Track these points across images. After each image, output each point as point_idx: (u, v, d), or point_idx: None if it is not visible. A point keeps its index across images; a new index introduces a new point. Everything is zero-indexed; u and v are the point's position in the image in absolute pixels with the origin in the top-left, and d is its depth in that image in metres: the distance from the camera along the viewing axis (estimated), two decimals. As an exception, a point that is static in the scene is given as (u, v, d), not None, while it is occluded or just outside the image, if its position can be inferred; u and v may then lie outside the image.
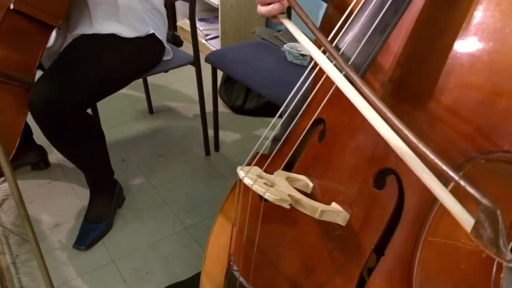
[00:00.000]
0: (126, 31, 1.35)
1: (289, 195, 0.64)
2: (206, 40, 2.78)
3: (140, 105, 2.20)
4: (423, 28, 0.61)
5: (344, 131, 0.72)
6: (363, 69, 0.65)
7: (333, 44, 0.67)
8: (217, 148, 1.92)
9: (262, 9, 0.83)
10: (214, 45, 2.70)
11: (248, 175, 0.68)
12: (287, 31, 1.77)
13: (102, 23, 1.33)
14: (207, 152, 1.89)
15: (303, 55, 1.56)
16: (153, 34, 1.42)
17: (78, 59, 1.26)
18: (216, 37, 2.74)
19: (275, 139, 1.11)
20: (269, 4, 0.82)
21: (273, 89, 1.42)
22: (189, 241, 1.46)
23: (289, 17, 0.79)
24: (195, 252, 1.42)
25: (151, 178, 1.75)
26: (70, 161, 1.39)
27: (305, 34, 0.74)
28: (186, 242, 1.46)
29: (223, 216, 1.03)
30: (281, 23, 0.86)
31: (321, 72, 0.66)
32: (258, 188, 0.64)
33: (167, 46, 1.51)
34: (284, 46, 1.62)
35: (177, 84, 2.42)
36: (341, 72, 0.61)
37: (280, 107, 1.39)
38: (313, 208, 0.65)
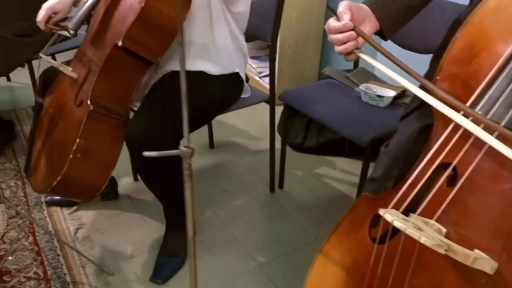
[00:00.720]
0: (215, 69, 1.40)
1: (441, 240, 0.64)
2: (259, 77, 2.83)
3: (201, 139, 2.23)
4: None
5: (485, 178, 0.71)
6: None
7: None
8: (281, 185, 1.92)
9: (339, 47, 0.87)
10: (268, 83, 2.74)
11: (396, 219, 0.68)
12: (358, 72, 1.80)
13: (194, 61, 1.38)
14: (272, 189, 1.89)
15: (379, 96, 1.57)
16: (237, 72, 1.46)
17: (171, 96, 1.30)
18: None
19: (373, 180, 1.10)
20: (345, 43, 0.86)
21: (353, 129, 1.43)
22: (264, 279, 1.44)
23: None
24: (272, 291, 1.40)
25: (219, 212, 1.75)
26: (155, 193, 1.41)
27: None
28: (261, 280, 1.44)
29: (325, 258, 1.01)
30: (357, 58, 0.90)
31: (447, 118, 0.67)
32: (413, 232, 0.64)
33: (246, 84, 1.55)
34: (360, 86, 1.64)
35: (236, 120, 2.46)
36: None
37: (362, 147, 1.40)
38: (466, 254, 0.64)
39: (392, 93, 1.59)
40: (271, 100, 1.66)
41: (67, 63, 1.36)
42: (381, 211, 0.73)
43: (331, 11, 0.92)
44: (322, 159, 2.16)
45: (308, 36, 2.55)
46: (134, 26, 1.16)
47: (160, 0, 1.17)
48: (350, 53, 0.88)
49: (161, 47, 1.24)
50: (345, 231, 0.97)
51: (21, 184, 1.86)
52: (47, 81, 1.46)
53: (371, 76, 1.79)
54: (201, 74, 1.39)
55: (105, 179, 1.26)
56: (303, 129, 2.21)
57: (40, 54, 1.31)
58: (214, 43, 1.37)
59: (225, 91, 1.45)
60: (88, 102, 1.18)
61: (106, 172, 1.26)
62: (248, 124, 2.41)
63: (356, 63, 1.91)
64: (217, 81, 1.41)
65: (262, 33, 1.57)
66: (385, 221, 0.77)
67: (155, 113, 1.24)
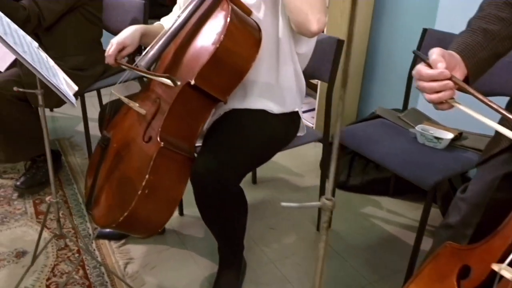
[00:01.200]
0: (277, 108, 1.41)
1: None
2: (297, 113, 2.84)
3: (244, 174, 2.23)
4: None
5: None
6: None
7: None
8: (328, 224, 1.88)
9: (431, 96, 0.85)
10: (308, 120, 2.75)
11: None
12: (409, 112, 1.79)
13: (256, 99, 1.39)
14: (319, 228, 1.86)
15: (437, 138, 1.55)
16: (296, 111, 1.47)
17: (236, 135, 1.31)
18: (309, 110, 2.81)
19: (449, 226, 1.07)
20: (439, 91, 0.84)
21: (415, 172, 1.41)
22: (321, 324, 1.39)
23: None
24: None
25: (267, 250, 1.72)
26: (212, 229, 1.39)
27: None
28: (318, 325, 1.39)
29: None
30: (451, 108, 0.87)
31: None
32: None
33: (302, 122, 1.55)
34: (416, 128, 1.62)
35: (278, 156, 2.44)
36: None
37: (426, 190, 1.37)
38: None
39: (449, 135, 1.57)
40: (324, 139, 1.65)
41: (131, 97, 1.38)
42: (495, 267, 0.70)
43: (418, 57, 0.92)
44: (366, 198, 2.13)
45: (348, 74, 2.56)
46: (207, 66, 1.17)
47: (234, 41, 1.19)
48: (442, 102, 0.86)
49: (230, 86, 1.25)
50: (427, 280, 0.93)
51: (69, 215, 1.87)
52: (105, 114, 1.49)
53: (423, 117, 1.77)
54: (263, 112, 1.40)
55: (168, 216, 1.26)
56: (346, 167, 2.19)
57: (112, 91, 1.33)
58: (278, 82, 1.39)
59: (285, 129, 1.46)
60: (158, 139, 1.19)
61: (170, 209, 1.25)
62: (290, 160, 2.40)
63: (406, 103, 1.90)
64: (278, 119, 1.42)
65: (319, 73, 1.58)
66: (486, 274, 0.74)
67: (222, 153, 1.24)
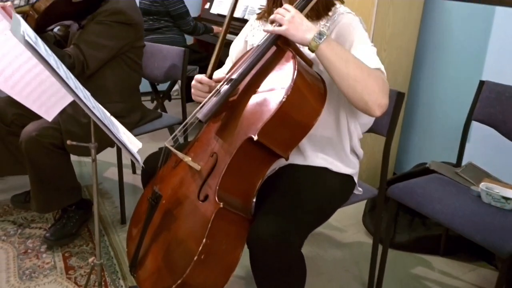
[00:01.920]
0: (336, 165, 1.32)
1: None
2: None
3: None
4: None
5: None
6: None
7: None
8: (379, 286, 1.73)
9: None
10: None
11: None
12: (467, 168, 1.68)
13: (316, 156, 1.30)
14: (369, 291, 1.71)
15: (505, 198, 1.44)
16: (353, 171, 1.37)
17: (296, 194, 1.21)
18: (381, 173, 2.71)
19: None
20: None
21: (490, 237, 1.28)
22: None
23: None
24: None
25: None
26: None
27: None
28: None
29: None
30: None
31: None
32: None
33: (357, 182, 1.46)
34: (480, 186, 1.51)
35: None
36: None
37: (501, 256, 1.24)
38: None
39: (519, 195, 1.45)
40: (380, 197, 1.54)
41: (180, 149, 1.29)
42: None
43: None
44: (416, 257, 1.98)
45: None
46: (272, 121, 1.09)
47: (300, 94, 1.11)
48: None
49: (294, 141, 1.17)
50: None
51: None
52: (151, 169, 1.40)
53: (483, 173, 1.66)
54: (322, 170, 1.30)
55: (224, 283, 1.14)
56: (391, 222, 2.06)
57: (165, 144, 1.25)
58: (338, 138, 1.30)
59: (344, 187, 1.36)
60: (216, 199, 1.09)
61: (226, 275, 1.13)
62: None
63: (460, 157, 1.80)
64: (337, 177, 1.32)
65: (378, 127, 1.49)
66: None
67: (283, 215, 1.14)
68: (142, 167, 1.44)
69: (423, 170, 2.02)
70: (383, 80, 1.14)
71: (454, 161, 2.09)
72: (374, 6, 2.18)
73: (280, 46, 1.20)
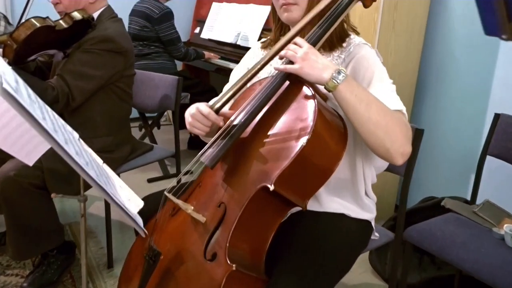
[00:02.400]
0: (353, 210, 1.19)
1: None
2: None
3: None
4: None
5: None
6: None
7: None
8: None
9: None
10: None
11: None
12: (485, 206, 1.57)
13: (332, 201, 1.17)
14: None
15: (534, 243, 1.32)
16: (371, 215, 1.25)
17: (315, 246, 1.08)
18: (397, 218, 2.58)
19: None
20: None
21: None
22: None
23: None
24: None
25: None
26: None
27: None
28: None
29: None
30: None
31: None
32: None
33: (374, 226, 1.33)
34: (505, 228, 1.39)
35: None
36: None
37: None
38: None
39: (547, 239, 1.34)
40: (396, 242, 1.41)
41: (178, 194, 1.14)
42: None
43: None
44: (427, 300, 1.85)
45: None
46: (290, 168, 0.95)
47: (321, 137, 0.98)
48: None
49: (312, 189, 1.03)
50: None
51: (85, 326, 1.56)
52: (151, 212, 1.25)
53: (502, 212, 1.55)
54: (340, 216, 1.17)
55: None
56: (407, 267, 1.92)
57: (165, 193, 1.10)
58: (354, 181, 1.18)
59: (362, 233, 1.23)
60: (227, 259, 0.94)
61: None
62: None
63: (474, 194, 1.69)
64: (355, 223, 1.19)
65: (393, 165, 1.37)
66: None
67: (304, 272, 1.00)
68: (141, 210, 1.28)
69: (433, 206, 1.91)
70: (406, 125, 1.03)
71: (460, 194, 1.99)
72: (376, 33, 2.09)
73: (294, 80, 1.08)
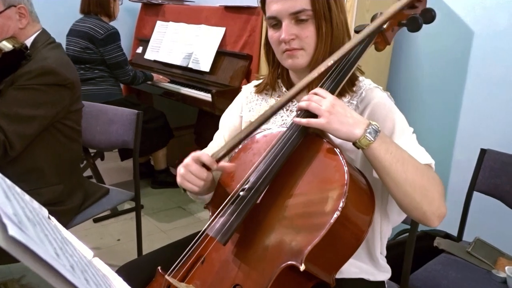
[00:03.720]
0: (372, 273, 1.06)
1: None
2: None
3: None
4: None
5: None
6: None
7: None
8: None
9: None
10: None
11: None
12: (477, 245, 1.53)
13: (350, 263, 1.02)
14: None
15: (539, 287, 1.28)
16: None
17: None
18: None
19: None
20: None
21: None
22: None
23: None
24: None
25: None
26: None
27: None
28: None
29: None
30: None
31: None
32: None
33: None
34: (506, 270, 1.34)
35: None
36: None
37: None
38: None
39: (549, 281, 1.31)
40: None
41: (178, 269, 0.94)
42: None
43: None
44: None
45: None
46: (321, 243, 0.80)
47: (353, 205, 0.84)
48: None
49: (342, 261, 0.88)
50: None
51: None
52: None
53: (495, 250, 1.52)
54: (358, 282, 1.04)
55: None
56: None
57: (166, 277, 0.89)
58: (372, 240, 1.05)
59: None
60: None
61: None
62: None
63: (461, 230, 1.65)
64: (372, 287, 1.06)
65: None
66: None
67: None
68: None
69: (418, 239, 1.85)
70: (440, 183, 0.92)
71: (444, 228, 1.95)
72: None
73: (312, 135, 0.93)
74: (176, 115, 3.45)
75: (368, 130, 0.84)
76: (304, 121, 0.87)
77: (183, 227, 2.57)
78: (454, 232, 1.75)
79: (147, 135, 2.43)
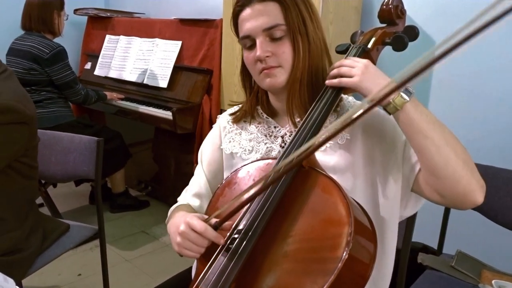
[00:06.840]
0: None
1: None
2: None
3: None
4: None
5: None
6: None
7: None
8: None
9: None
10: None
11: None
12: (459, 258, 1.53)
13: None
14: None
15: (527, 299, 1.28)
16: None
17: None
18: None
19: None
20: None
21: None
22: None
23: None
24: None
25: None
26: None
27: None
28: None
29: None
30: None
31: None
32: None
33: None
34: (493, 284, 1.34)
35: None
36: None
37: None
38: None
39: (535, 292, 1.32)
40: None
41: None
42: None
43: None
44: None
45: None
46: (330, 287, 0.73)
47: (359, 243, 0.77)
48: None
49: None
50: None
51: None
52: None
53: (477, 263, 1.51)
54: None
55: None
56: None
57: None
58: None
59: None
60: None
61: None
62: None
63: (441, 244, 1.64)
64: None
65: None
66: None
67: None
68: None
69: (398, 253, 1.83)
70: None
71: (422, 240, 1.94)
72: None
73: (305, 168, 0.85)
74: (131, 131, 3.28)
75: (402, 90, 0.78)
76: (335, 81, 0.86)
77: (149, 254, 2.41)
78: (432, 244, 1.75)
79: (103, 157, 2.26)
